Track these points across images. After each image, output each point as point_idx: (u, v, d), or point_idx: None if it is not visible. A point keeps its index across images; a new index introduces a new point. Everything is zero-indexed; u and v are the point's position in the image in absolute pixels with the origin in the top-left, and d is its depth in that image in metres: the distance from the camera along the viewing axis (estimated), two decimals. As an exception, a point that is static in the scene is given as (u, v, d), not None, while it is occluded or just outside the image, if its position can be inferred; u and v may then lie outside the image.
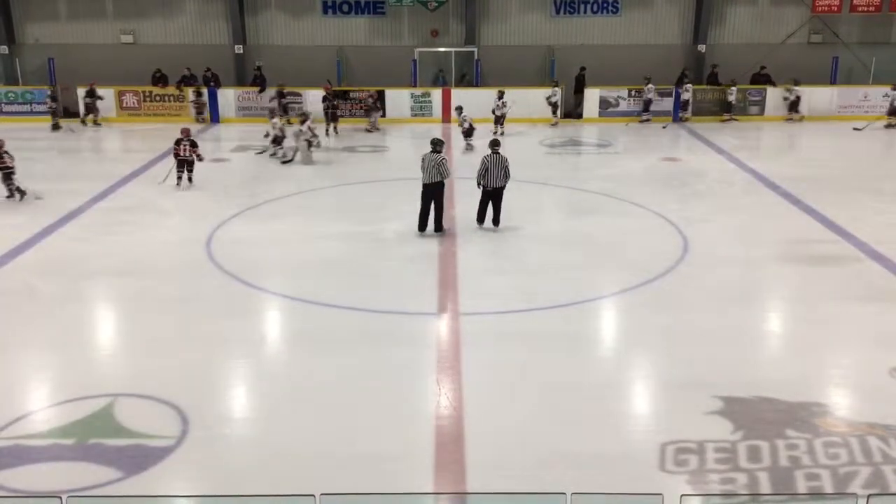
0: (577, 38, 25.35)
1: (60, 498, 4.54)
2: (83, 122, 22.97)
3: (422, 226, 12.66)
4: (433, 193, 12.53)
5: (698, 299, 10.11)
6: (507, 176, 12.79)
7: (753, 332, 9.33)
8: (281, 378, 8.17)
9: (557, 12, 25.27)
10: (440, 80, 25.08)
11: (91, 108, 22.91)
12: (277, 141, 18.47)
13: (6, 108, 23.80)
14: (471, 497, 5.90)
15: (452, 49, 25.29)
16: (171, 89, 23.90)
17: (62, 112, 23.04)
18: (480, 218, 12.97)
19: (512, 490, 5.62)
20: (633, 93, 23.79)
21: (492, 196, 12.82)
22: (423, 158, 12.59)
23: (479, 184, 12.83)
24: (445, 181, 12.55)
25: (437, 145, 12.64)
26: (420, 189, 12.55)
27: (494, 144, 12.96)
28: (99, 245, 12.40)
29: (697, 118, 23.68)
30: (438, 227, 12.70)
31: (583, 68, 24.13)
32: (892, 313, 9.69)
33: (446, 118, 23.22)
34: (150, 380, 7.90)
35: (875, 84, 24.15)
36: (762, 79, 24.36)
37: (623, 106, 24.04)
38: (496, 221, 12.94)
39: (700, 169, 17.75)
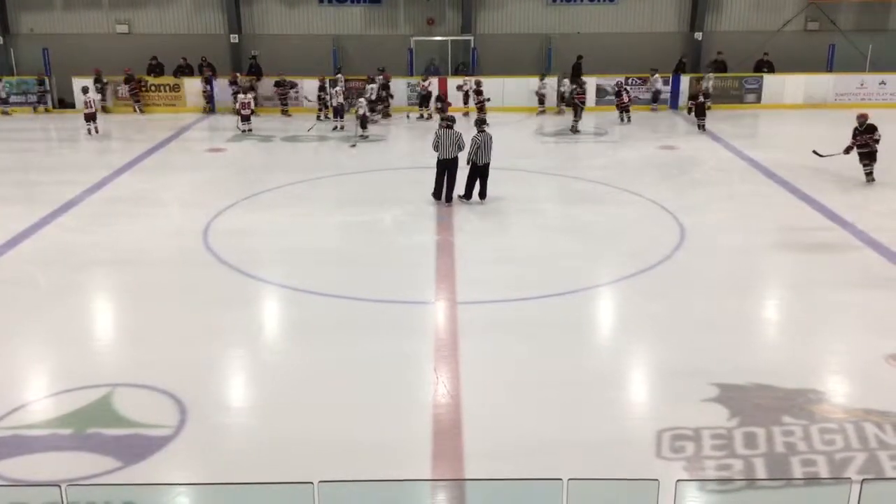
0: (573, 26, 25.28)
1: (59, 487, 4.56)
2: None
3: (438, 195, 13.62)
4: (450, 167, 13.42)
5: (695, 287, 10.13)
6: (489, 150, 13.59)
7: (750, 319, 9.35)
8: (279, 367, 8.18)
9: (554, 0, 25.20)
10: (432, 70, 24.96)
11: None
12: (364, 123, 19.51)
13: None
14: (469, 483, 5.92)
15: (449, 38, 25.21)
16: (167, 79, 23.82)
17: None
18: (468, 193, 13.69)
19: (509, 476, 5.64)
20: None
21: (480, 172, 13.54)
22: (437, 135, 13.44)
23: (469, 161, 13.45)
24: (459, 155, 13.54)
25: (451, 122, 13.60)
26: (435, 163, 13.60)
27: (481, 123, 13.72)
28: (96, 235, 12.39)
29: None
30: (449, 198, 13.55)
31: (580, 57, 24.07)
32: (888, 300, 9.72)
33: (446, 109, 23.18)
34: (147, 369, 7.91)
35: (872, 72, 24.13)
36: (765, 66, 24.31)
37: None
38: (482, 195, 13.68)
39: (697, 157, 17.75)
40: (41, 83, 23.28)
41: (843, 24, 24.97)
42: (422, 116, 22.37)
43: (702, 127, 20.41)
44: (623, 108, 21.87)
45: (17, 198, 14.68)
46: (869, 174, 14.74)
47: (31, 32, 25.03)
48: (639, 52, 24.33)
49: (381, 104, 22.25)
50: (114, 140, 20.98)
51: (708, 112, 20.59)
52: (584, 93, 21.02)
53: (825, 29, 25.02)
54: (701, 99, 20.75)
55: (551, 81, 23.15)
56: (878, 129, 14.50)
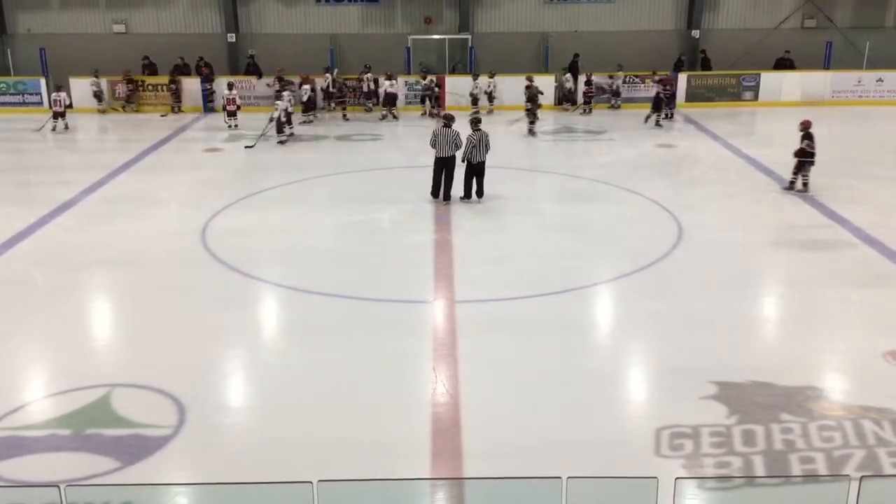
0: (571, 24, 25.30)
1: (58, 488, 4.56)
2: (123, 108, 23.45)
3: (436, 193, 13.66)
4: (448, 165, 13.48)
5: (693, 285, 10.14)
6: (488, 149, 13.64)
7: (748, 317, 9.36)
8: (277, 367, 8.18)
9: (551, -1, 25.24)
10: (424, 70, 24.73)
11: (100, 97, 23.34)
12: (280, 126, 19.02)
13: (-1, 99, 23.76)
14: (468, 482, 5.92)
15: (446, 36, 25.20)
16: (163, 78, 23.78)
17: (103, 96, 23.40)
18: (467, 193, 13.76)
19: (508, 475, 5.65)
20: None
21: (476, 171, 13.63)
22: (435, 133, 13.49)
23: (463, 159, 13.53)
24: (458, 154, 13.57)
25: (450, 120, 13.60)
26: (433, 161, 13.61)
27: (476, 122, 13.75)
28: (94, 235, 12.38)
29: (692, 104, 23.65)
30: (447, 197, 13.61)
31: (576, 55, 24.07)
32: (885, 297, 9.73)
33: (441, 107, 23.16)
34: (146, 369, 7.91)
35: (869, 69, 24.16)
36: (786, 63, 24.29)
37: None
38: (480, 193, 13.77)
39: (694, 155, 17.76)
40: (129, 81, 23.23)
41: (841, 22, 25.01)
42: (385, 117, 22.24)
43: (651, 120, 20.88)
44: (587, 100, 23.01)
45: (17, 198, 14.66)
46: (793, 182, 14.15)
47: (27, 32, 25.00)
48: (636, 51, 24.35)
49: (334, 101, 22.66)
50: (111, 140, 21.00)
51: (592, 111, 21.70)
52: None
53: (822, 26, 25.06)
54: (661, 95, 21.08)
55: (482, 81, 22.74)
56: (814, 138, 13.89)
